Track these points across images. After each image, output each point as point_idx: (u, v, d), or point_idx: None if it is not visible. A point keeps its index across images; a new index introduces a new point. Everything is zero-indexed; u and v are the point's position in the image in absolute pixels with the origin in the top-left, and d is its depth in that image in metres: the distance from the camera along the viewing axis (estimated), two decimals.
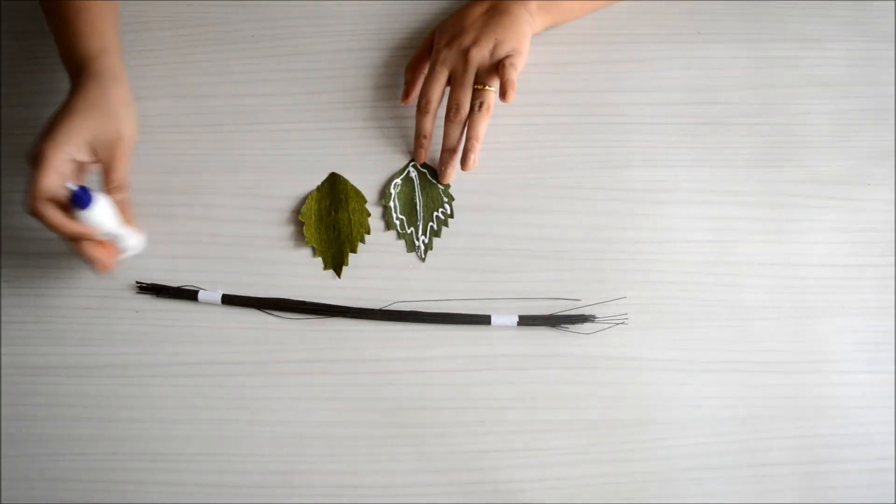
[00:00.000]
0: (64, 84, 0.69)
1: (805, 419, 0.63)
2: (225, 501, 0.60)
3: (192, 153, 0.68)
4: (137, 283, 0.65)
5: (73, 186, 0.55)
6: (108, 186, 0.60)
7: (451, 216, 0.67)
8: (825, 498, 0.61)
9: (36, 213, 0.56)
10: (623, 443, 0.62)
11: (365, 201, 0.67)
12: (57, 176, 0.56)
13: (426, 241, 0.66)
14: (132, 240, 0.62)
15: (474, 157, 0.66)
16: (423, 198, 0.67)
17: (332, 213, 0.67)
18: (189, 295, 0.64)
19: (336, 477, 0.61)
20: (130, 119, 0.61)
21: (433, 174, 0.68)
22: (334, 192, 0.67)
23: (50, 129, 0.58)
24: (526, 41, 0.67)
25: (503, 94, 0.64)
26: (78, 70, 0.61)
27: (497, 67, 0.65)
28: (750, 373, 0.64)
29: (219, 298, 0.64)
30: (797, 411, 0.63)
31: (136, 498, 0.60)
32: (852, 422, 0.63)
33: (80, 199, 0.56)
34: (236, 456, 0.61)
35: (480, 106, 0.65)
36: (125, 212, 0.60)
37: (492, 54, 0.65)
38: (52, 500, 0.60)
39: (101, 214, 0.58)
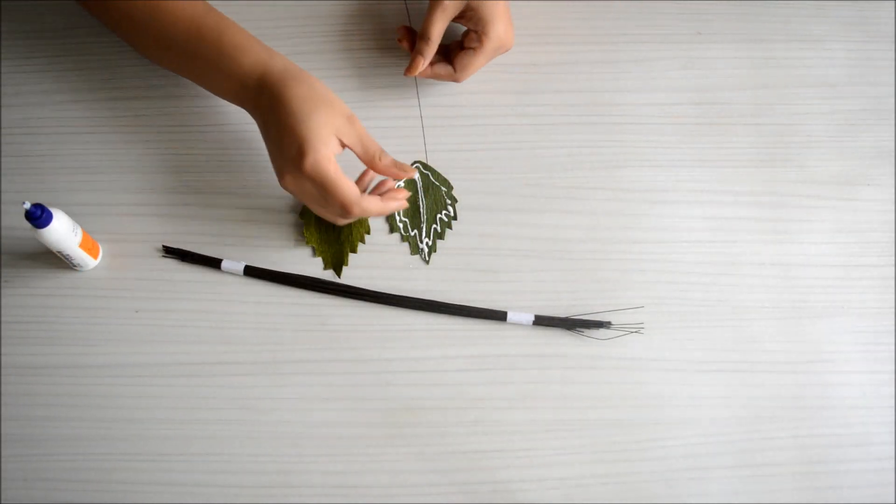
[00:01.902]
0: (63, 84, 0.70)
1: (805, 419, 0.63)
2: (225, 501, 0.60)
3: (192, 153, 0.68)
4: (164, 247, 0.65)
5: (28, 205, 0.56)
6: (371, 161, 0.60)
7: (455, 218, 0.67)
8: (825, 498, 0.61)
9: (363, 215, 0.60)
10: (623, 443, 0.62)
11: None
12: (345, 180, 0.58)
13: (430, 243, 0.66)
14: (86, 259, 0.63)
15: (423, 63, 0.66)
16: (427, 200, 0.67)
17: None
18: (212, 263, 0.64)
19: (336, 477, 0.61)
20: (334, 95, 0.60)
21: (436, 176, 0.68)
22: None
23: (300, 145, 0.57)
24: None
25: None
26: (259, 83, 0.60)
27: None
28: (750, 373, 0.64)
29: (241, 269, 0.64)
30: (797, 411, 0.63)
31: (135, 498, 0.60)
32: (852, 422, 0.63)
33: (37, 218, 0.56)
34: (236, 456, 0.61)
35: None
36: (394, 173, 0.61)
37: None
38: (52, 500, 0.60)
39: (59, 232, 0.58)
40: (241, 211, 0.66)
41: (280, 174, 0.59)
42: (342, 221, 0.62)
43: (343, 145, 0.59)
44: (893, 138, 0.71)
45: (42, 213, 0.56)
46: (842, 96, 0.72)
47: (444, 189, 0.67)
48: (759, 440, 0.62)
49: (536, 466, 0.61)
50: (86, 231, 0.62)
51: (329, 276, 0.65)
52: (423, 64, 0.66)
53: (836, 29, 0.74)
